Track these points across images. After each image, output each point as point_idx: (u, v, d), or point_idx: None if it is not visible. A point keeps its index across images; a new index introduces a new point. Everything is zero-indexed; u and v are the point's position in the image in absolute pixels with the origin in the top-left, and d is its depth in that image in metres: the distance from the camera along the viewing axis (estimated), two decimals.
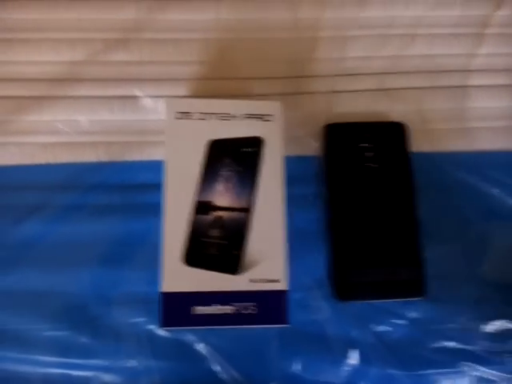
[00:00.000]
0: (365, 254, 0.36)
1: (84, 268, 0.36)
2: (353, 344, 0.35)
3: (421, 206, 0.37)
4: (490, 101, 0.40)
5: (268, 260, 0.32)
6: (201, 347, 0.34)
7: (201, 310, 0.31)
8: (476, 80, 0.41)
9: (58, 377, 0.34)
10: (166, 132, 0.34)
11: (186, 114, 0.34)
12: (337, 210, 0.37)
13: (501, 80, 0.41)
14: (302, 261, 0.36)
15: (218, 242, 0.32)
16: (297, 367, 0.35)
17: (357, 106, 0.40)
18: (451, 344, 0.35)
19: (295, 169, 0.37)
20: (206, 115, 0.34)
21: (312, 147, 0.39)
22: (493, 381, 0.35)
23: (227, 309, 0.31)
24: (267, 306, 0.31)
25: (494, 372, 0.35)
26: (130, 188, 0.37)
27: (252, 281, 0.31)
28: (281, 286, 0.31)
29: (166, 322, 0.31)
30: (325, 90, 0.40)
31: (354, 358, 0.35)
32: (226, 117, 0.34)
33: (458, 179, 0.39)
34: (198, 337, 0.35)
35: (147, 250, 0.35)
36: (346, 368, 0.35)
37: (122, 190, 0.37)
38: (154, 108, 0.39)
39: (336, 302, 0.36)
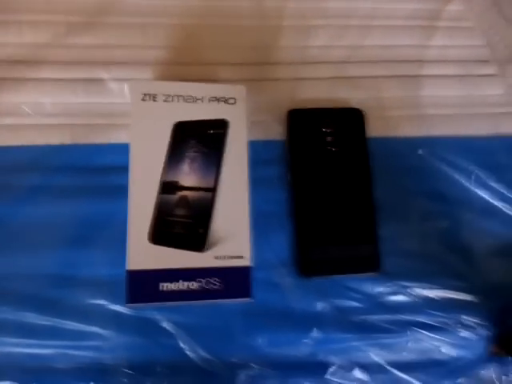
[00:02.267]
0: (325, 233, 0.38)
1: (49, 250, 0.36)
2: (314, 318, 0.37)
3: (377, 188, 0.39)
4: (442, 90, 0.43)
5: (232, 237, 0.33)
6: (166, 325, 0.35)
7: (167, 286, 0.32)
8: (429, 70, 0.43)
9: (24, 356, 0.34)
10: (131, 114, 0.34)
11: (151, 97, 0.35)
12: (299, 191, 0.38)
13: (452, 70, 0.43)
14: (267, 240, 0.38)
15: (183, 220, 0.33)
16: (261, 342, 0.36)
17: (318, 93, 0.41)
18: (403, 314, 0.38)
19: (260, 152, 0.39)
20: (171, 97, 0.35)
21: (276, 132, 0.40)
22: (438, 345, 0.38)
23: (193, 285, 0.32)
24: (232, 281, 0.32)
25: (440, 337, 0.38)
26: (96, 170, 0.38)
27: (217, 257, 0.32)
28: (245, 262, 0.33)
29: (131, 299, 0.31)
30: (288, 77, 0.41)
31: (315, 332, 0.37)
32: (191, 99, 0.35)
33: (412, 162, 0.41)
34: (164, 315, 0.35)
35: (112, 231, 0.36)
36: (308, 341, 0.36)
37: (87, 172, 0.37)
38: (119, 91, 0.39)
39: (299, 278, 0.37)
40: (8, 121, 0.38)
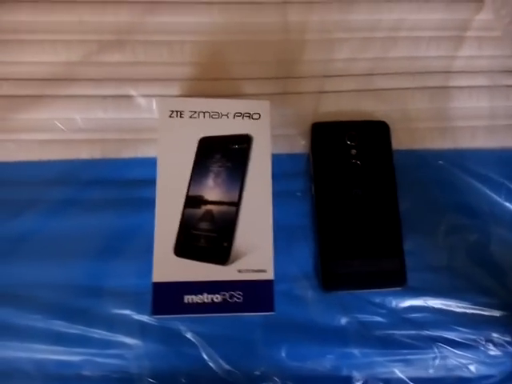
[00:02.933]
0: (349, 246, 0.37)
1: (78, 261, 0.37)
2: (337, 332, 0.37)
3: (403, 201, 0.39)
4: (469, 101, 0.42)
5: (255, 251, 0.33)
6: (189, 336, 0.36)
7: (191, 299, 0.32)
8: (457, 81, 0.43)
9: (53, 363, 0.35)
10: (158, 130, 0.35)
11: (178, 113, 0.36)
12: (323, 204, 0.38)
13: (480, 81, 0.43)
14: (290, 253, 0.38)
15: (207, 234, 0.34)
16: (284, 355, 0.36)
17: (343, 106, 0.41)
18: (429, 330, 0.37)
19: (284, 166, 0.39)
20: (197, 114, 0.36)
21: (300, 145, 0.41)
22: (465, 363, 0.37)
23: (217, 298, 0.32)
24: (254, 294, 0.33)
25: (467, 355, 0.37)
26: (124, 183, 0.39)
27: (240, 271, 0.33)
28: (267, 275, 0.33)
29: (156, 310, 0.32)
30: (312, 91, 0.42)
31: (338, 346, 0.36)
32: (216, 115, 0.36)
33: (439, 175, 0.40)
34: (187, 325, 0.36)
35: (139, 243, 0.37)
36: (331, 355, 0.36)
37: (116, 186, 0.39)
38: (147, 107, 0.40)
39: (321, 292, 0.37)
40: (42, 136, 0.39)
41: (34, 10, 0.41)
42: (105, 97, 0.40)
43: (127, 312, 0.36)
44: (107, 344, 0.36)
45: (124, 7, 0.41)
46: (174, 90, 0.40)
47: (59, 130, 0.39)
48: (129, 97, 0.40)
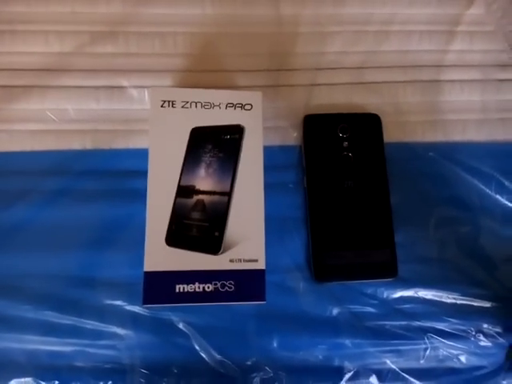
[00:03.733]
0: (341, 238, 0.38)
1: (70, 251, 0.37)
2: (329, 323, 0.37)
3: (394, 193, 0.39)
4: (461, 95, 0.43)
5: (247, 241, 0.33)
6: (181, 326, 0.36)
7: (182, 288, 0.32)
8: (448, 75, 0.43)
9: (45, 353, 0.35)
10: (150, 119, 0.35)
11: (170, 103, 0.36)
12: (314, 195, 0.38)
13: (472, 75, 0.43)
14: (282, 244, 0.38)
15: (199, 223, 0.34)
16: (275, 345, 0.36)
17: (335, 98, 0.42)
18: (420, 321, 0.37)
19: (277, 158, 0.40)
20: (189, 104, 0.36)
21: (292, 137, 0.41)
22: (456, 354, 0.37)
23: (208, 287, 0.33)
24: (246, 283, 0.33)
25: (458, 345, 0.37)
26: (116, 174, 0.39)
27: (232, 260, 0.33)
28: (259, 265, 0.33)
29: (148, 299, 0.32)
30: (304, 83, 0.42)
31: (330, 337, 0.37)
32: (208, 105, 0.36)
33: (430, 168, 0.41)
34: (179, 316, 0.36)
35: (131, 234, 0.37)
36: (323, 346, 0.37)
37: (107, 176, 0.39)
38: (139, 98, 0.40)
39: (313, 283, 0.37)
40: (34, 126, 0.39)
41: (27, 1, 0.41)
42: (97, 87, 0.40)
43: (119, 303, 0.36)
44: (99, 335, 0.36)
45: None
46: (167, 81, 0.40)
47: (51, 121, 0.39)
48: (121, 88, 0.40)
